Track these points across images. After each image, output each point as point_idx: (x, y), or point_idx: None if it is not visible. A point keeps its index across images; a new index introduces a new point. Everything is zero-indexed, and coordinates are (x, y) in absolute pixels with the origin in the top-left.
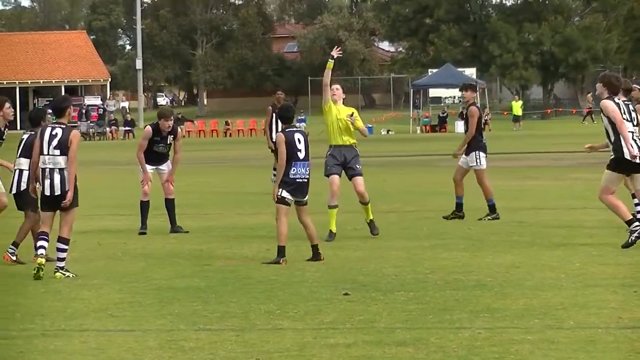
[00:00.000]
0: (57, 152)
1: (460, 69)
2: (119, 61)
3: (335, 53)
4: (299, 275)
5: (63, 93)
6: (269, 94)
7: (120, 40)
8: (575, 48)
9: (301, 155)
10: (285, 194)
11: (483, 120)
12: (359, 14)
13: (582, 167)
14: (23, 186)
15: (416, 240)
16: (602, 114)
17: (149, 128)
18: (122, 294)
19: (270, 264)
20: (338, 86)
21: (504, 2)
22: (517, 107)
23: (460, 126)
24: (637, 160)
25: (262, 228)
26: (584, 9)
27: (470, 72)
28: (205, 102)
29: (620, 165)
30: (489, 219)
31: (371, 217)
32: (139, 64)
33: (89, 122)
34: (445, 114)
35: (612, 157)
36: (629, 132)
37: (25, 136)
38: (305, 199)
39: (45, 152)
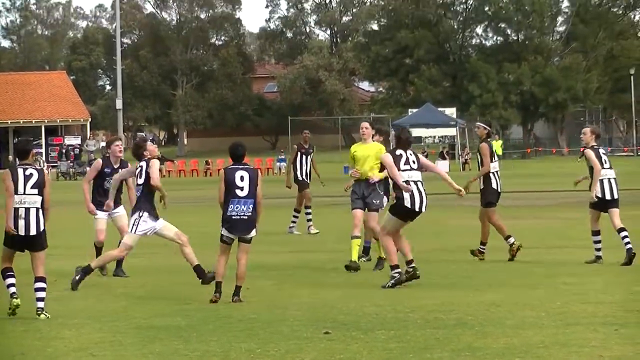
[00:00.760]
0: (35, 191)
1: (440, 109)
2: (99, 101)
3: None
4: (279, 313)
5: (43, 133)
6: (249, 134)
7: (100, 80)
8: (555, 88)
9: (242, 193)
10: (224, 231)
11: (462, 160)
12: (339, 54)
13: (562, 206)
14: None
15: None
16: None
17: (99, 160)
18: (103, 333)
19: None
20: (367, 125)
21: (483, 42)
22: (497, 146)
23: (440, 165)
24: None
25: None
26: (564, 49)
27: (451, 111)
28: (185, 142)
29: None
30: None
31: (382, 255)
32: (119, 104)
33: (68, 161)
34: (425, 154)
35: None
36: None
37: None
38: (248, 236)
39: (21, 191)
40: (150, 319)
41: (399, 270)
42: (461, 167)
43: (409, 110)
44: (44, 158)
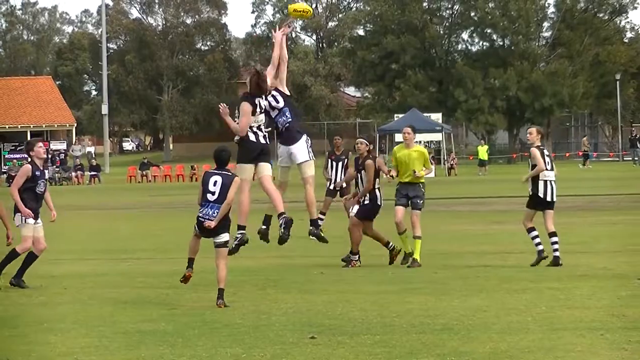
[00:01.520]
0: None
1: (426, 114)
2: (84, 106)
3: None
4: (265, 319)
5: (29, 138)
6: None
7: (86, 85)
8: (541, 93)
9: (212, 197)
10: (195, 228)
11: (448, 165)
12: (325, 60)
13: None
14: None
15: (382, 285)
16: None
17: (27, 165)
18: (89, 338)
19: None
20: (409, 130)
21: (469, 47)
22: (483, 151)
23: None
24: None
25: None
26: (550, 54)
27: (436, 117)
28: (171, 147)
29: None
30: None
31: (409, 251)
32: (104, 109)
33: (54, 167)
34: None
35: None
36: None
37: None
38: (217, 239)
39: None
40: (137, 324)
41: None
42: (447, 172)
43: (395, 115)
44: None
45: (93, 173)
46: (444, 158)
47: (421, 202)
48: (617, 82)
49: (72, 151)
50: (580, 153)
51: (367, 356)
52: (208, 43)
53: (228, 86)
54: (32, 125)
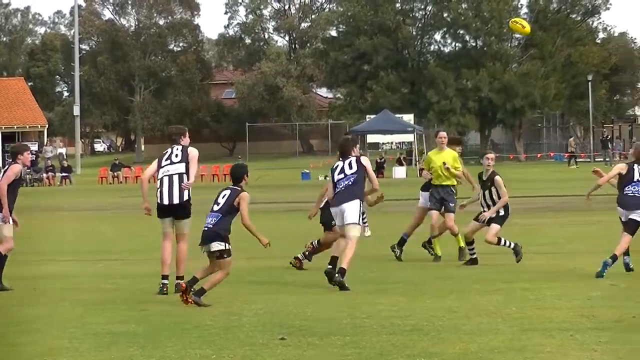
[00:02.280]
0: None
1: (398, 115)
2: (56, 107)
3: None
4: (235, 320)
5: (0, 139)
6: (207, 140)
7: (58, 86)
8: (513, 94)
9: (215, 207)
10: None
11: (420, 166)
12: (297, 61)
13: (517, 212)
14: None
15: (353, 285)
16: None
17: (18, 165)
18: (60, 340)
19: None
20: (444, 134)
21: (442, 48)
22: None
23: (398, 172)
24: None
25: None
26: (522, 55)
27: (408, 118)
28: (143, 148)
29: None
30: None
31: (461, 244)
32: (76, 110)
33: (25, 168)
34: (383, 160)
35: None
36: None
37: None
38: (210, 249)
39: None
40: (107, 325)
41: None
42: (418, 173)
43: (367, 116)
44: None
45: (64, 174)
46: (415, 159)
47: (453, 204)
48: (589, 83)
49: (44, 152)
50: (567, 155)
51: (337, 357)
52: (180, 44)
53: (200, 87)
54: (3, 127)
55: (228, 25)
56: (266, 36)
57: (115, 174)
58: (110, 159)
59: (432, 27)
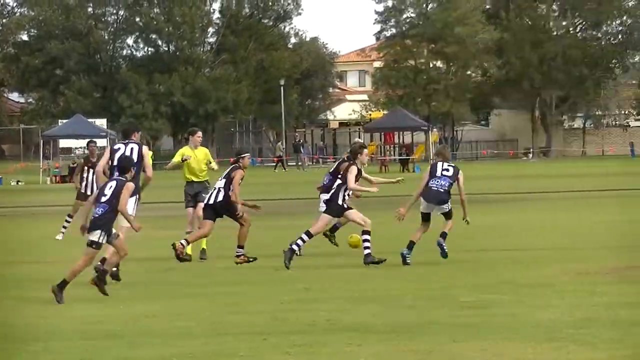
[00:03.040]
0: None
1: (91, 120)
2: None
3: None
4: None
5: None
6: None
7: None
8: (206, 99)
9: (103, 199)
10: None
11: None
12: None
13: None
14: None
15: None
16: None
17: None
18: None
19: None
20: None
21: (134, 53)
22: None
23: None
24: None
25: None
26: (215, 60)
27: (101, 122)
28: None
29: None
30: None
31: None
32: None
33: None
34: (75, 165)
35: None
36: None
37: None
38: (90, 238)
39: None
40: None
41: None
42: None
43: (59, 121)
44: None
45: None
46: None
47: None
48: (282, 88)
49: None
50: (276, 159)
51: None
52: None
53: None
54: None
55: None
56: None
57: None
58: None
59: (125, 32)
